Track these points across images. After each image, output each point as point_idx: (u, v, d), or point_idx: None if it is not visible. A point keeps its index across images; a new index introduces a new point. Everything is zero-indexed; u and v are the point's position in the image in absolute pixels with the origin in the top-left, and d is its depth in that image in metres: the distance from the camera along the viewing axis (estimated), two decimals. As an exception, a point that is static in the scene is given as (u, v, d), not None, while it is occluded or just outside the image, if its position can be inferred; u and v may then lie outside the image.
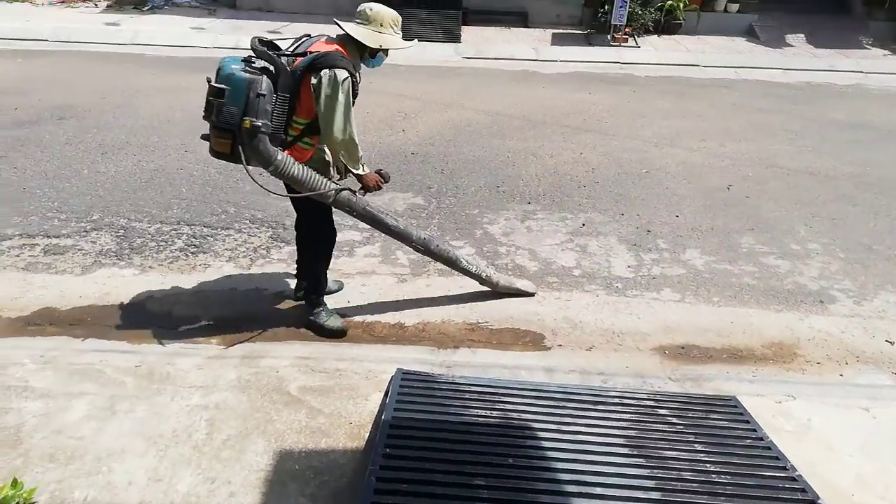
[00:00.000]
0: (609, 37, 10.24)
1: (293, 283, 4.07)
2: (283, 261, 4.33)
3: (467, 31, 10.54)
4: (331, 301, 3.79)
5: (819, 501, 2.42)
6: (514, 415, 2.80)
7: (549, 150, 6.32)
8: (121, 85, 7.60)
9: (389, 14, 3.15)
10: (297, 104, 3.05)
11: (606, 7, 10.30)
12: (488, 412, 2.80)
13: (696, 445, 2.70)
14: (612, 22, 10.10)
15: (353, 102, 3.06)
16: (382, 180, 3.42)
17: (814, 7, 12.16)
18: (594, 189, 5.56)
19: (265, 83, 2.91)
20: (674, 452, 2.63)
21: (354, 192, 3.33)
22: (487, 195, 5.35)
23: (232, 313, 3.75)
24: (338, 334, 3.57)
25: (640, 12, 10.38)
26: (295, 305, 3.84)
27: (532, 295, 4.03)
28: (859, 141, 6.86)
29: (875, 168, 6.17)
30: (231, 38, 9.77)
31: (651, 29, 10.66)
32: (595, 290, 4.20)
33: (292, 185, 3.19)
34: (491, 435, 2.66)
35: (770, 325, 3.93)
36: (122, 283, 3.98)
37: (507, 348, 3.61)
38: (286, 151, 3.10)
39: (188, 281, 4.05)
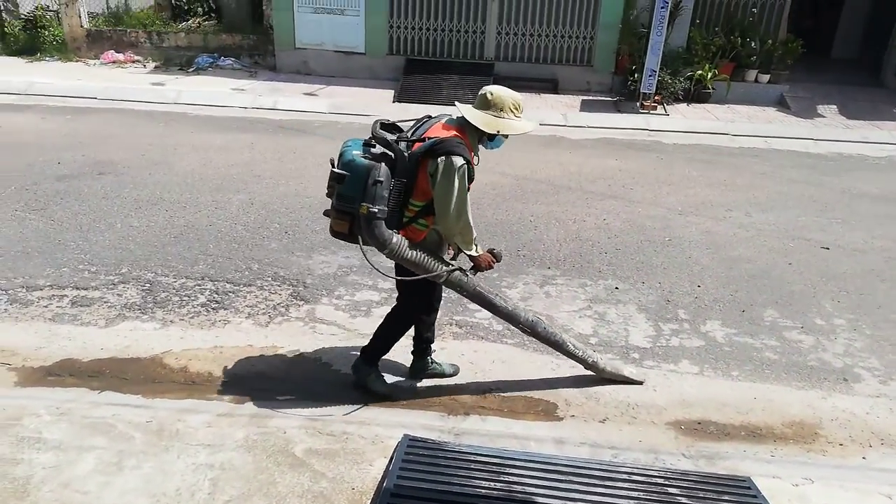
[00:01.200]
0: (638, 104, 10.39)
1: (308, 340, 4.12)
2: (300, 319, 4.39)
3: (497, 97, 10.83)
4: (342, 361, 3.82)
5: None
6: (519, 488, 2.75)
7: (572, 215, 6.36)
8: (160, 142, 7.95)
9: (510, 98, 3.17)
10: (413, 187, 3.11)
11: (636, 75, 10.49)
12: (492, 483, 2.76)
13: (706, 530, 2.60)
14: (642, 90, 10.26)
15: (469, 188, 3.11)
16: (495, 260, 3.42)
17: (845, 78, 12.19)
18: (616, 256, 5.55)
19: (383, 170, 2.99)
20: (682, 536, 2.54)
21: (466, 272, 3.38)
22: (507, 259, 5.38)
23: (246, 370, 3.80)
24: (383, 398, 3.59)
25: (669, 81, 10.53)
26: (310, 365, 3.88)
27: (640, 383, 3.84)
28: (891, 215, 6.74)
29: (907, 242, 6.05)
30: (269, 99, 10.19)
31: (680, 98, 10.78)
32: (611, 359, 4.14)
33: (407, 266, 3.24)
34: (492, 509, 2.61)
35: (791, 402, 3.81)
36: (142, 337, 4.07)
37: (519, 417, 3.56)
38: (401, 232, 3.18)
39: (207, 336, 4.12)
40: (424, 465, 2.85)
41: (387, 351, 3.66)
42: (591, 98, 11.14)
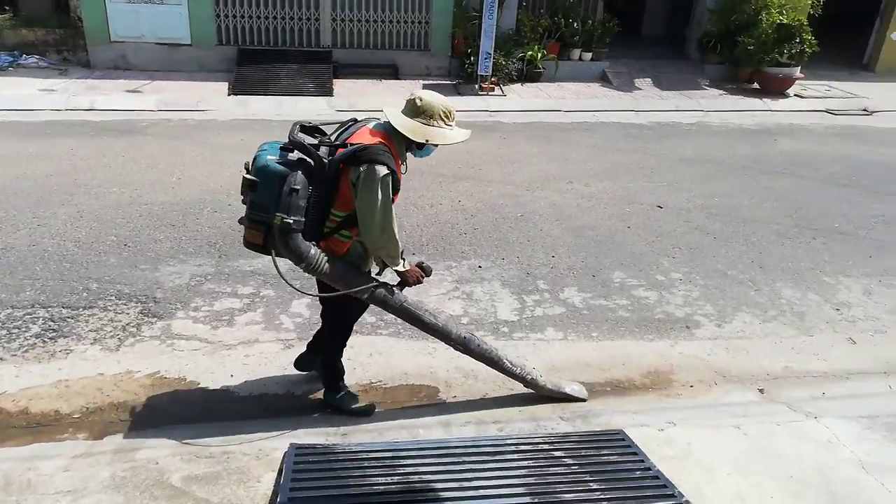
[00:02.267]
0: (477, 86, 10.71)
1: (168, 359, 3.83)
2: (156, 337, 4.06)
3: (339, 85, 10.62)
4: (210, 377, 3.59)
5: (707, 526, 2.55)
6: (416, 477, 2.76)
7: (428, 199, 6.43)
8: (-43, 155, 6.93)
9: (440, 105, 2.95)
10: (335, 197, 2.90)
11: (472, 58, 10.79)
12: (389, 478, 2.75)
13: (591, 484, 2.79)
14: (479, 72, 10.58)
15: (394, 199, 2.91)
16: (423, 274, 3.22)
17: (656, 53, 13.39)
18: (475, 235, 5.71)
19: (299, 178, 2.77)
20: (572, 495, 2.70)
21: (392, 288, 3.15)
22: (370, 249, 5.35)
23: (100, 402, 3.45)
24: (365, 414, 3.40)
25: (503, 62, 10.96)
26: (175, 386, 3.60)
27: (584, 401, 3.62)
28: (707, 175, 7.55)
29: (721, 199, 6.80)
30: (85, 98, 9.22)
31: (515, 78, 11.26)
32: (484, 336, 4.26)
33: (326, 281, 3.00)
34: (392, 503, 2.60)
35: (645, 354, 4.18)
36: (-34, 381, 3.55)
37: (403, 406, 3.57)
38: (322, 244, 2.96)
39: (47, 370, 3.68)
40: (317, 472, 2.77)
41: (341, 370, 3.44)
42: (431, 82, 11.29)
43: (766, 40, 11.17)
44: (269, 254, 2.90)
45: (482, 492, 2.69)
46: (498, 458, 2.94)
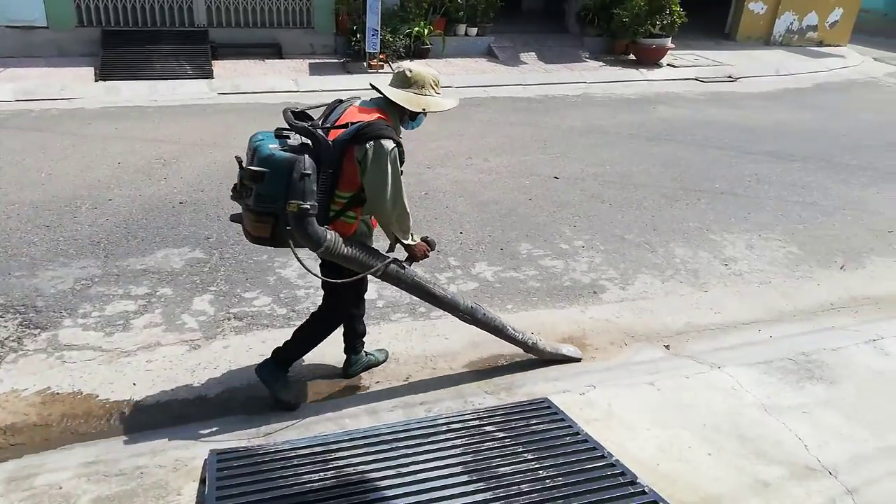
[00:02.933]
0: (365, 64, 10.48)
1: (58, 373, 3.49)
2: (42, 350, 3.68)
3: (219, 66, 10.03)
4: (108, 387, 3.31)
5: (638, 480, 2.66)
6: (350, 469, 2.68)
7: (327, 182, 6.24)
8: None
9: (430, 75, 3.01)
10: (339, 178, 2.86)
11: (359, 35, 10.53)
12: (322, 474, 2.65)
13: (525, 455, 2.83)
14: (367, 50, 10.35)
15: (401, 171, 2.90)
16: (430, 248, 3.23)
17: (538, 27, 13.69)
18: (379, 217, 5.60)
19: (308, 161, 2.72)
20: (508, 468, 2.72)
21: (402, 264, 3.16)
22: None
23: (-16, 428, 3.09)
24: (288, 407, 3.28)
25: (391, 39, 10.78)
26: (69, 402, 3.29)
27: (578, 360, 3.82)
28: (596, 144, 7.83)
29: (612, 166, 7.08)
30: (-76, 90, 8.17)
31: (403, 55, 11.12)
32: (401, 318, 4.22)
33: (343, 264, 2.98)
34: (329, 499, 2.51)
35: (559, 321, 4.29)
36: None
37: (325, 397, 3.46)
38: (330, 227, 2.91)
39: (-87, 399, 3.25)
40: (243, 476, 2.62)
41: (303, 354, 3.37)
42: (318, 61, 10.93)
43: (639, 12, 11.70)
44: (280, 245, 2.87)
45: (419, 475, 2.65)
46: (430, 439, 2.91)
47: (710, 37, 14.26)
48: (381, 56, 10.61)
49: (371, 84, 3.07)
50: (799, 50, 14.06)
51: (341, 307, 3.33)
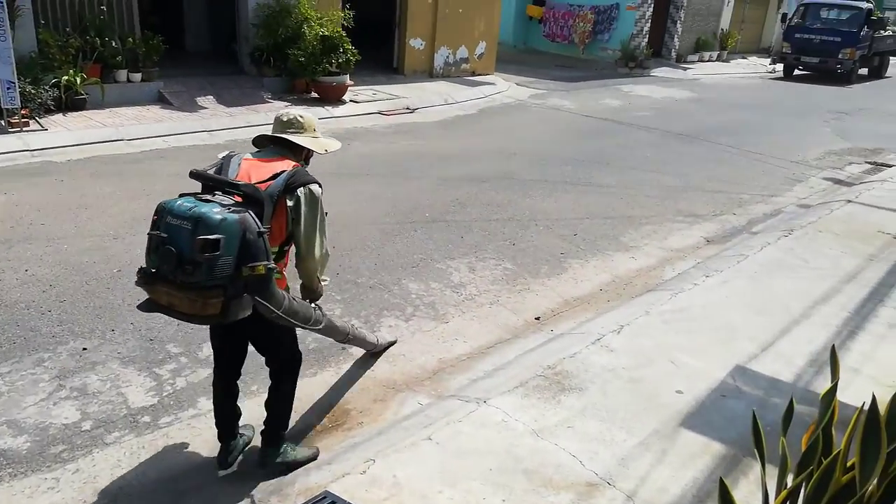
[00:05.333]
0: (3, 122, 8.61)
1: None
2: None
3: None
4: None
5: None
6: None
7: (-22, 278, 4.86)
8: None
9: (315, 118, 3.12)
10: (271, 233, 2.72)
11: (-11, 88, 8.62)
12: None
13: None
14: (3, 106, 8.51)
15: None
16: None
17: (211, 69, 12.89)
18: (64, 310, 4.52)
19: (254, 220, 2.54)
20: None
21: (319, 308, 3.19)
22: None
23: None
24: (313, 458, 3.25)
25: (33, 91, 9.03)
26: None
27: (394, 342, 4.36)
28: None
29: (328, 207, 6.87)
30: None
31: (53, 108, 9.43)
32: (121, 438, 3.39)
33: (292, 320, 2.86)
34: None
35: (314, 393, 3.91)
36: None
37: None
38: None
39: None
40: None
41: (289, 418, 3.24)
42: (-69, 123, 8.68)
43: (313, 51, 11.78)
44: (228, 320, 2.51)
45: None
46: None
47: (382, 72, 15.08)
48: (23, 112, 8.85)
49: (278, 134, 2.98)
50: (458, 80, 15.67)
51: (286, 347, 3.20)
